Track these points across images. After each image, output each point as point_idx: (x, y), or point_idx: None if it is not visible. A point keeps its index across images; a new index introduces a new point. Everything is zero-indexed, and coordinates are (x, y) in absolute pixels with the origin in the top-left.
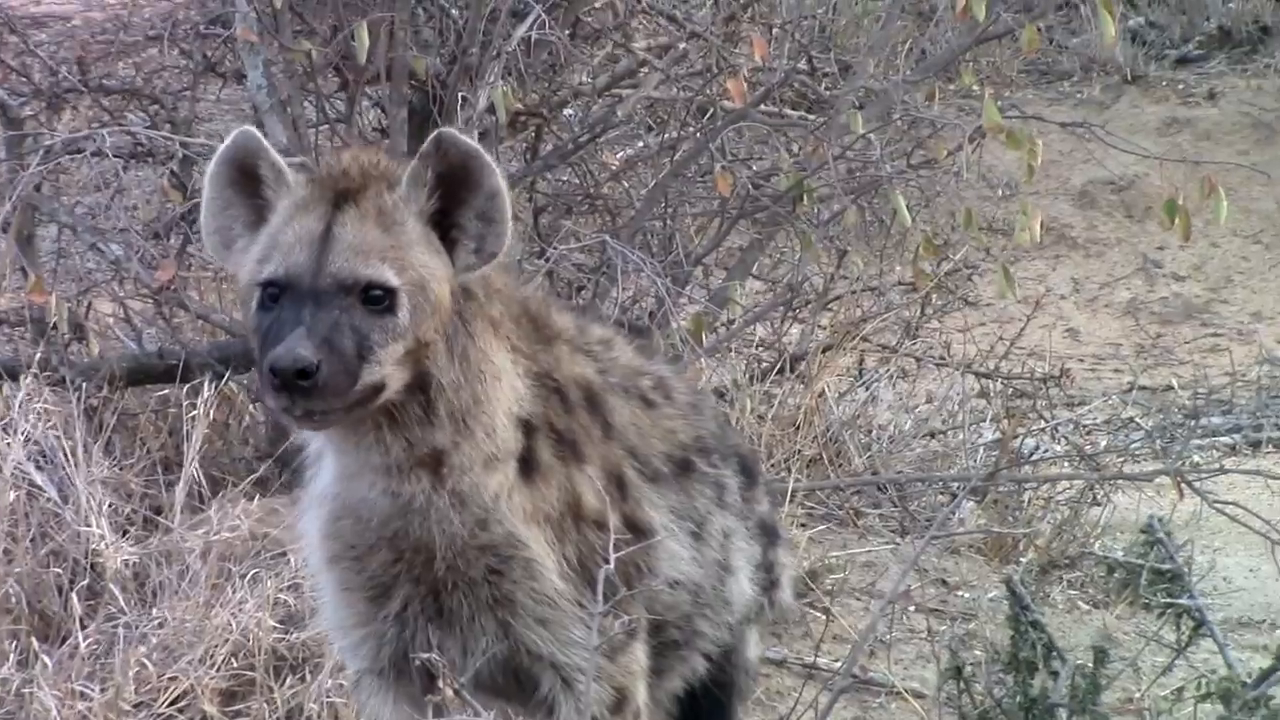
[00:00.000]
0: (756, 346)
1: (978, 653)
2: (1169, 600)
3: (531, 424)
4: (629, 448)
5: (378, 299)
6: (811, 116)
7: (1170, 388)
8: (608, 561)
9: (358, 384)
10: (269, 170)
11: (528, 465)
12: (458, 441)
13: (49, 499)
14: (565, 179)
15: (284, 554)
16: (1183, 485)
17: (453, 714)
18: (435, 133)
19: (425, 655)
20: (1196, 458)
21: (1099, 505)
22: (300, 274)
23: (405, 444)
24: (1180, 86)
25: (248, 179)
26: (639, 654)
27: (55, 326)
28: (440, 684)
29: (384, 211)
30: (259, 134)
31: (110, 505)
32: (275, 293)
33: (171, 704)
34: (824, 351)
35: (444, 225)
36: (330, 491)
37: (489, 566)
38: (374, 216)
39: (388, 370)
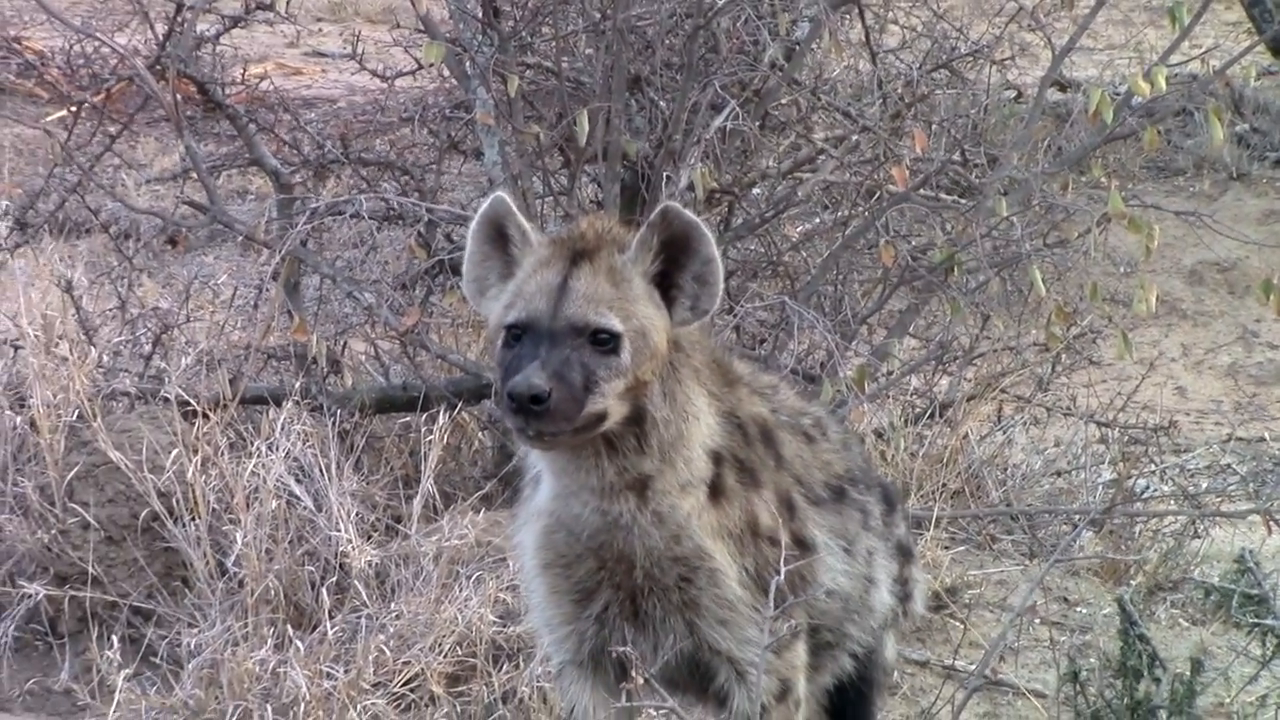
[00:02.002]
0: (911, 394)
1: (1092, 660)
2: (1256, 620)
3: (720, 455)
4: (796, 476)
5: (604, 341)
6: (963, 200)
7: (1263, 439)
8: (779, 572)
9: (583, 411)
10: (515, 230)
11: (715, 490)
12: (662, 469)
13: (305, 507)
14: (752, 248)
15: (503, 560)
16: (1271, 523)
17: (642, 700)
18: (661, 205)
19: (620, 649)
20: None
21: (1199, 538)
22: (539, 318)
23: (618, 469)
24: (1278, 184)
25: (502, 237)
26: (801, 652)
27: (315, 361)
28: (633, 674)
29: (614, 269)
30: (509, 199)
31: (357, 514)
32: (518, 333)
33: (404, 684)
34: (968, 400)
35: (665, 284)
36: (547, 508)
37: (680, 575)
38: (605, 272)
39: (610, 402)
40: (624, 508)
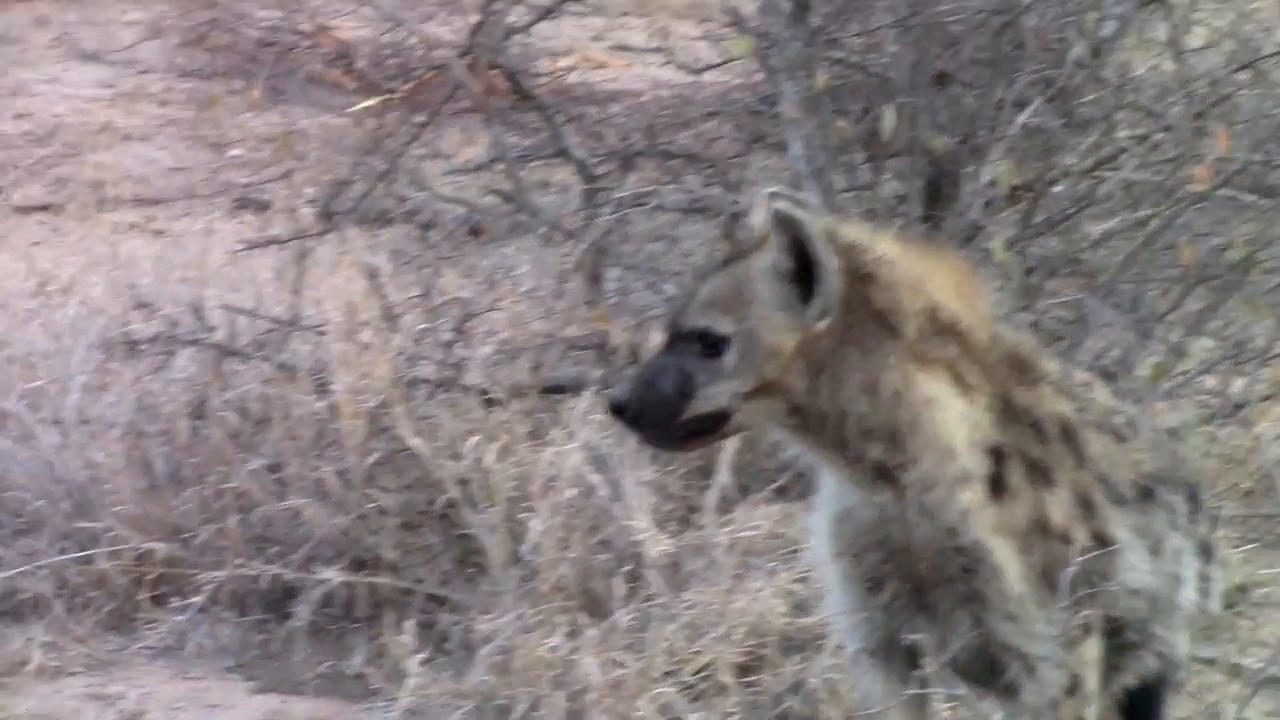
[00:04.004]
0: (1205, 394)
1: None
2: None
3: (1002, 451)
4: (1099, 475)
5: (711, 344)
6: (1264, 201)
7: None
8: (1071, 568)
9: (683, 416)
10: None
11: (997, 486)
12: (901, 461)
13: (601, 497)
14: (1052, 245)
15: (796, 551)
16: None
17: (935, 689)
18: (774, 208)
19: (914, 637)
20: None
21: None
22: (666, 323)
23: (847, 460)
24: None
25: None
26: (1093, 647)
27: (615, 351)
28: (925, 662)
29: (749, 270)
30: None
31: (652, 504)
32: None
33: (695, 674)
34: (1263, 401)
35: (809, 283)
36: (834, 497)
37: (962, 567)
38: (739, 274)
39: (724, 403)
40: (884, 499)
